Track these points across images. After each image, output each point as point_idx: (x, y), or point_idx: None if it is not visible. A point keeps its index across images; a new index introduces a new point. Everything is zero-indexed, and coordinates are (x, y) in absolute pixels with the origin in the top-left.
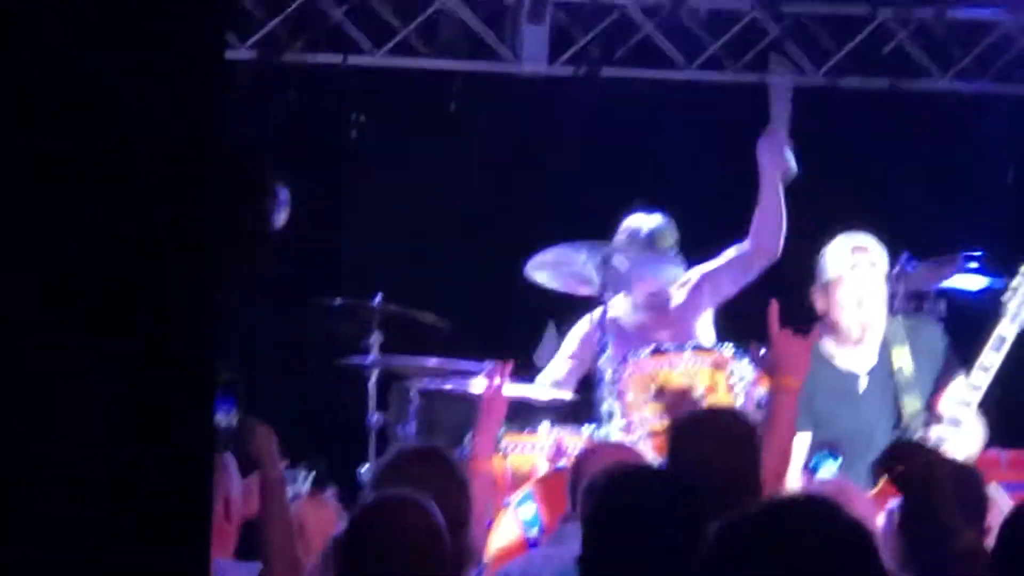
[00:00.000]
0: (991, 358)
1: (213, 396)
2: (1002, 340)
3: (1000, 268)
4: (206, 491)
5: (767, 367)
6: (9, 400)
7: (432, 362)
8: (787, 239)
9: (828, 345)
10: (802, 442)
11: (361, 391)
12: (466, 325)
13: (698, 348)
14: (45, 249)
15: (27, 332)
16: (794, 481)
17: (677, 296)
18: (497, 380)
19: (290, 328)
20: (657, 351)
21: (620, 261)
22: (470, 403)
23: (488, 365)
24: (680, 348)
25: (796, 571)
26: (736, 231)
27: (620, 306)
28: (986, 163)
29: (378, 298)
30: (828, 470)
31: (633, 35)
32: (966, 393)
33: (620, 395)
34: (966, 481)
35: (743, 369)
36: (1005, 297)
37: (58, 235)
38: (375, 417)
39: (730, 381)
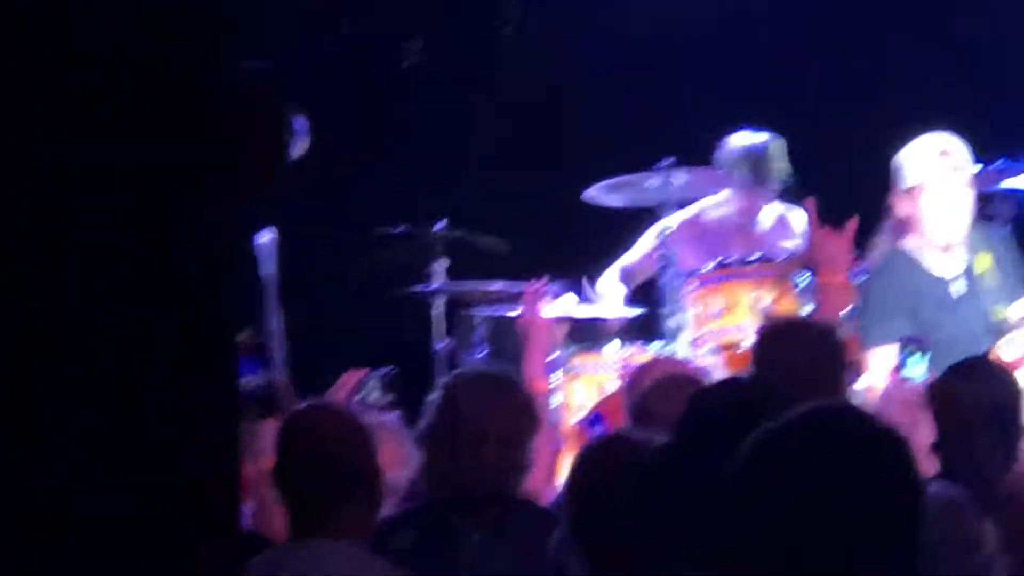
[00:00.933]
0: None
1: (234, 359)
2: None
3: None
4: (233, 460)
5: (809, 264)
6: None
7: (497, 286)
8: (851, 138)
9: (916, 250)
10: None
11: (426, 319)
12: (531, 248)
13: (762, 260)
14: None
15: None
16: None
17: (766, 220)
18: (531, 302)
19: (354, 258)
20: (721, 265)
21: (679, 177)
22: None
23: (553, 286)
24: (744, 262)
25: (827, 480)
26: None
27: (708, 208)
28: None
29: (440, 224)
30: (916, 368)
31: None
32: None
33: (687, 310)
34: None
35: (807, 278)
36: None
37: (59, 171)
38: (441, 344)
39: (797, 290)
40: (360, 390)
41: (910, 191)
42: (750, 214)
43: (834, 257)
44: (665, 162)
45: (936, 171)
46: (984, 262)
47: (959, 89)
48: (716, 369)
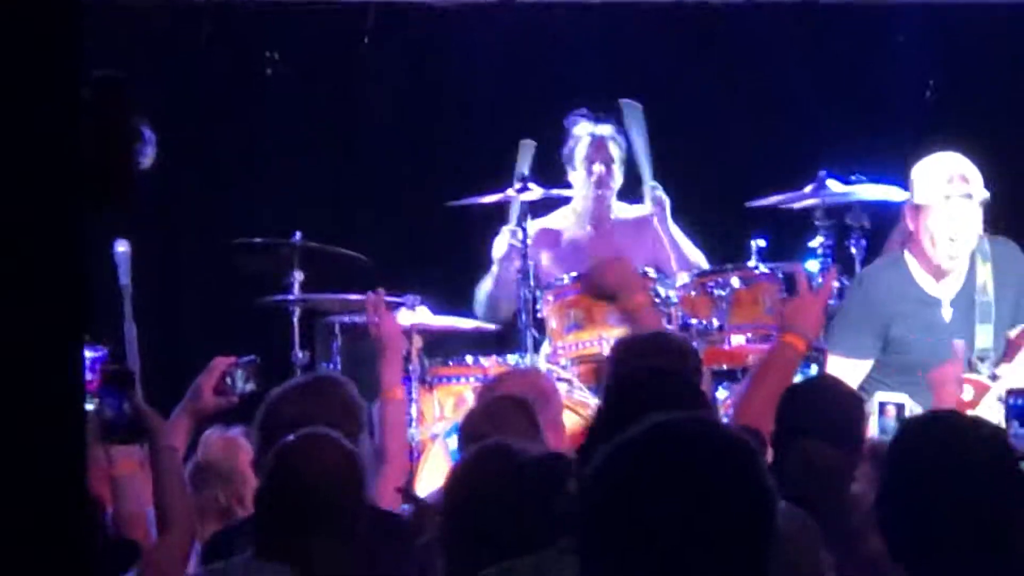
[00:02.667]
0: None
1: (80, 366)
2: None
3: None
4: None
5: (779, 324)
6: None
7: (354, 297)
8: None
9: (913, 265)
10: (863, 370)
11: (285, 329)
12: (389, 260)
13: None
14: None
15: None
16: None
17: (622, 227)
18: (373, 310)
19: (212, 268)
20: (580, 278)
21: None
22: None
23: (410, 298)
24: None
25: (680, 491)
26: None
27: (564, 218)
28: (905, 76)
29: (298, 236)
30: None
31: None
32: None
33: (543, 323)
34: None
35: (667, 291)
36: None
37: None
38: (300, 355)
39: (655, 301)
40: (228, 377)
41: (917, 208)
42: (601, 212)
43: (806, 323)
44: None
45: (944, 195)
46: (984, 271)
47: (822, 103)
48: (575, 381)
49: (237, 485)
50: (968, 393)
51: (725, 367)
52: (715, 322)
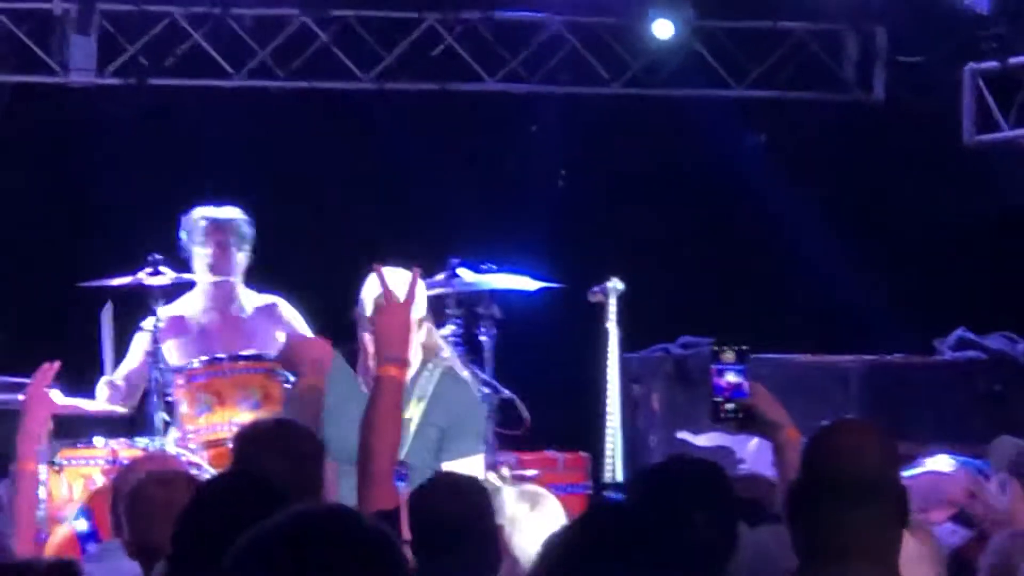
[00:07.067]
0: None
1: None
2: None
3: (553, 270)
4: None
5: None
6: None
7: None
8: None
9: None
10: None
11: None
12: (18, 339)
13: (252, 357)
14: None
15: None
16: None
17: (248, 304)
18: (37, 381)
19: None
20: (211, 362)
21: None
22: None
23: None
24: (235, 357)
25: None
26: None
27: (191, 304)
28: (537, 165)
29: None
30: None
31: (181, 44)
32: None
33: (174, 407)
34: None
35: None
36: None
37: None
38: None
39: (285, 388)
40: None
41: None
42: (225, 297)
43: (315, 360)
44: (152, 257)
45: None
46: (417, 408)
47: (455, 191)
48: (204, 465)
49: None
50: None
51: None
52: None
